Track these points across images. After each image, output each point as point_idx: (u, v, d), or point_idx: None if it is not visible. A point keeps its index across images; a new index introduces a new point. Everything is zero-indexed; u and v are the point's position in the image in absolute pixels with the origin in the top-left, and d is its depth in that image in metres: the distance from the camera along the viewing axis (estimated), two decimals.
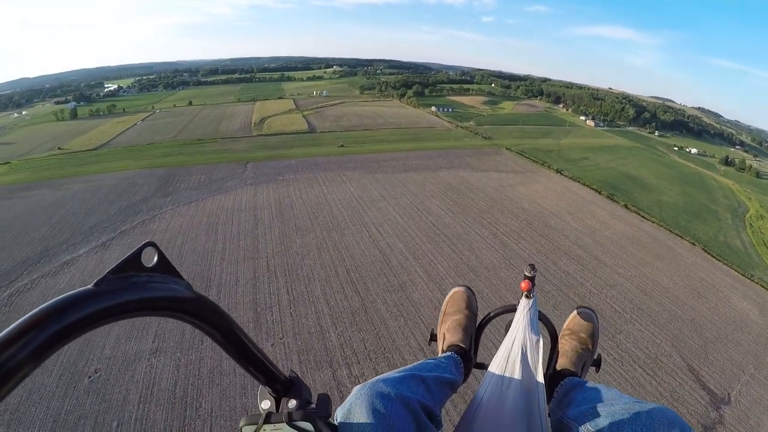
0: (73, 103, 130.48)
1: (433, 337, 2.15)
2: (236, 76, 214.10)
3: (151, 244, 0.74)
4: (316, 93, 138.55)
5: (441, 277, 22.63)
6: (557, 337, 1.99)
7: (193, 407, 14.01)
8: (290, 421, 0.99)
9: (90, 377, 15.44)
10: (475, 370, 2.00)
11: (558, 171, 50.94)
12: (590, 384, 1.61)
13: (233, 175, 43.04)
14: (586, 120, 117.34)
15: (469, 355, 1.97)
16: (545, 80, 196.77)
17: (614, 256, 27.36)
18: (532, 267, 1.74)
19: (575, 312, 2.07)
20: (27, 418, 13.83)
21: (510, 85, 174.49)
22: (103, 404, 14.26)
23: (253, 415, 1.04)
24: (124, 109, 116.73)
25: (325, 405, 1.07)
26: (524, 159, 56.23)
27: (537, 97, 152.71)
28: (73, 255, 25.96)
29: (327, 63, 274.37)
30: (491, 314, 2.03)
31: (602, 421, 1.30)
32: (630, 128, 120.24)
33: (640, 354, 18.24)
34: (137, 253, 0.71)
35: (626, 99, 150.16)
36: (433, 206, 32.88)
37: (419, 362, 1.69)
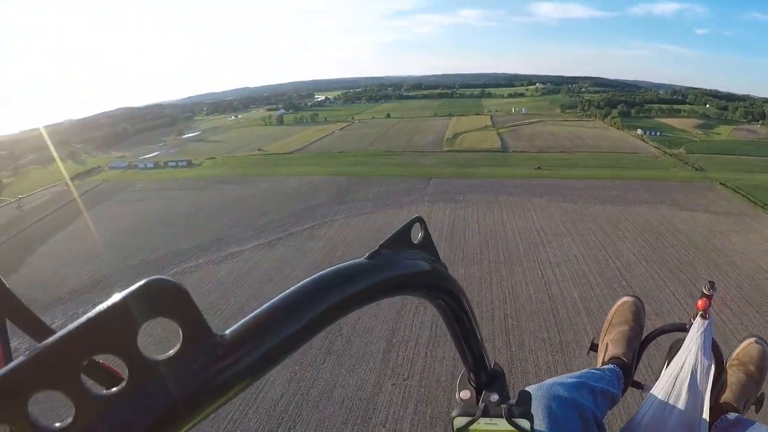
0: (282, 111, 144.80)
1: (594, 347, 2.08)
2: (437, 91, 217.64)
3: (419, 219, 0.73)
4: (515, 110, 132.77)
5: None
6: (724, 366, 1.86)
7: (286, 426, 13.39)
8: (510, 417, 0.92)
9: None
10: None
11: None
12: (753, 423, 1.57)
13: (413, 190, 41.54)
14: None
15: (629, 371, 1.90)
16: None
17: None
18: (712, 285, 1.71)
19: (747, 341, 1.97)
20: None
21: (727, 106, 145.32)
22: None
23: (468, 405, 0.98)
24: (326, 119, 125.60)
25: (529, 403, 0.97)
26: (741, 198, 43.70)
27: (759, 121, 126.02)
28: (241, 248, 27.79)
29: (530, 80, 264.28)
30: (657, 330, 2.01)
31: None
32: None
33: None
34: (408, 228, 0.70)
35: None
36: (625, 249, 26.77)
37: (584, 371, 1.70)
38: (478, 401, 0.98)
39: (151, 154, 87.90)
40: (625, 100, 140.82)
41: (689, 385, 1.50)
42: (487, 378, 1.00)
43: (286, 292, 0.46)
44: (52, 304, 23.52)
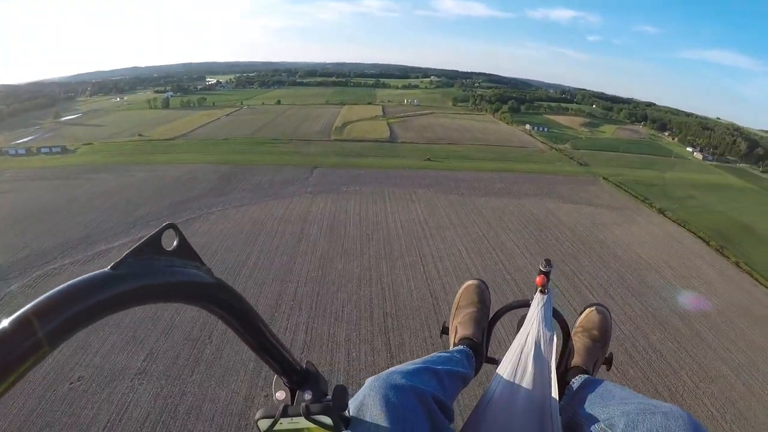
0: (170, 93, 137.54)
1: (445, 330, 2.12)
2: (332, 79, 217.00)
3: (172, 226, 0.71)
4: (407, 101, 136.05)
5: (497, 339, 18.33)
6: (570, 334, 1.95)
7: None
8: (308, 415, 0.95)
9: (71, 384, 14.58)
10: (485, 365, 1.97)
11: (660, 211, 42.75)
12: (602, 382, 1.61)
13: (296, 180, 41.33)
14: (693, 152, 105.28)
15: (480, 349, 1.96)
16: (650, 104, 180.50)
17: (720, 334, 21.31)
18: (548, 262, 1.75)
19: (588, 309, 2.06)
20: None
21: (612, 107, 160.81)
22: (71, 418, 13.21)
23: (269, 407, 0.98)
24: (213, 103, 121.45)
25: (342, 398, 1.01)
26: (623, 192, 48.10)
27: (641, 122, 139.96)
28: (110, 245, 26.45)
29: (425, 73, 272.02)
30: (504, 308, 2.01)
31: (616, 421, 1.29)
32: (740, 165, 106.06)
33: None
34: (157, 236, 0.68)
35: (737, 131, 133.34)
36: (509, 242, 28.12)
37: (431, 355, 1.72)
38: (293, 401, 1.01)
39: (25, 138, 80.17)
40: (516, 97, 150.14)
41: (534, 355, 1.59)
42: (299, 377, 1.03)
43: (30, 304, 0.47)
44: None
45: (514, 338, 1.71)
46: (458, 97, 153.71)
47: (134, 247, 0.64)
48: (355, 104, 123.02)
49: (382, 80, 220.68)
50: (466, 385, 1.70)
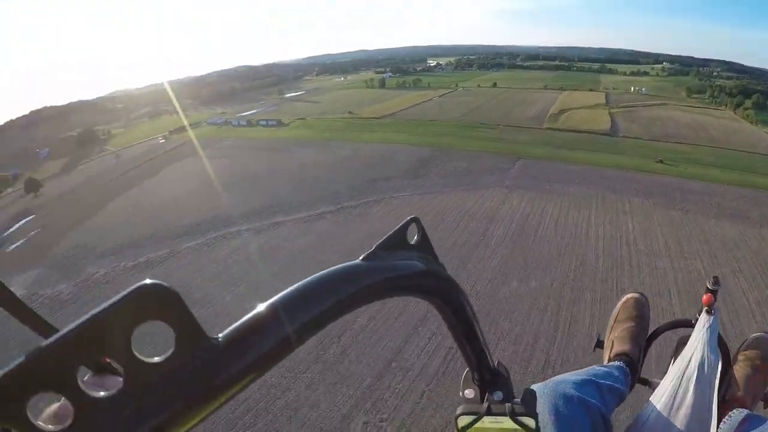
0: (388, 74, 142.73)
1: (599, 344, 2.07)
2: (554, 63, 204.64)
3: (415, 219, 0.72)
4: (634, 89, 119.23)
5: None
6: (730, 362, 1.83)
7: None
8: (514, 415, 0.92)
9: None
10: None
11: None
12: (762, 418, 1.54)
13: (495, 170, 36.58)
14: None
15: (636, 367, 1.88)
16: None
17: None
18: (716, 280, 1.67)
19: (754, 335, 1.96)
20: None
21: None
22: None
23: (472, 404, 0.97)
24: (429, 84, 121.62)
25: (533, 402, 0.97)
26: None
27: None
28: (286, 218, 26.92)
29: (656, 59, 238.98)
30: (665, 326, 1.97)
31: None
32: None
33: None
34: (403, 228, 0.69)
35: None
36: (737, 291, 18.44)
37: (591, 368, 1.70)
38: (482, 400, 0.96)
39: (249, 112, 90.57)
40: (763, 90, 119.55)
41: (696, 381, 1.47)
42: (490, 377, 0.98)
43: (279, 295, 0.46)
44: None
45: (670, 361, 1.69)
46: (693, 87, 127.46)
47: (383, 239, 0.64)
48: (576, 90, 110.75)
49: (608, 65, 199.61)
50: (621, 402, 1.61)
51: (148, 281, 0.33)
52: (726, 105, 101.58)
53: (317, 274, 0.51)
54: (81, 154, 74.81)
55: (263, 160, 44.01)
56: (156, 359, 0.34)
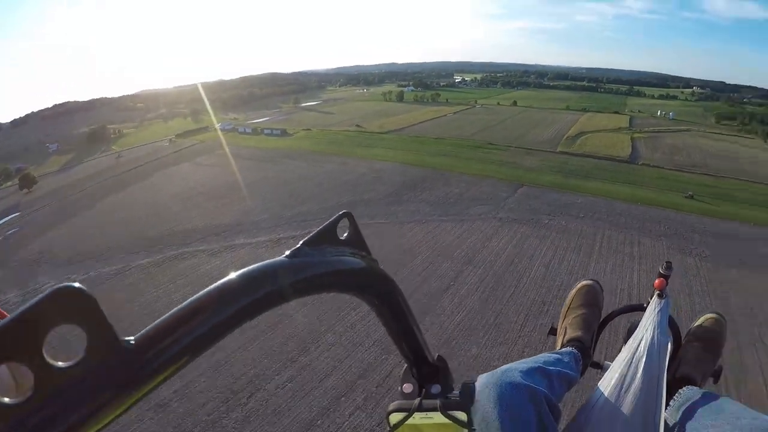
0: (410, 88, 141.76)
1: (553, 331, 2.07)
2: (582, 83, 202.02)
3: (347, 215, 0.72)
4: (661, 113, 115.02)
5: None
6: (681, 342, 1.92)
7: None
8: (445, 410, 0.93)
9: None
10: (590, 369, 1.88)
11: None
12: (712, 395, 1.55)
13: (491, 198, 33.46)
14: None
15: (588, 352, 1.91)
16: None
17: None
18: (669, 265, 1.71)
19: (704, 316, 2.01)
20: None
21: None
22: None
23: (404, 401, 0.98)
24: (447, 100, 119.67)
25: (472, 395, 0.99)
26: None
27: None
28: (246, 241, 25.95)
29: (687, 83, 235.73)
30: (617, 311, 2.01)
31: None
32: None
33: None
34: (333, 224, 0.69)
35: None
36: (753, 367, 14.73)
37: (541, 355, 1.70)
38: (419, 394, 0.96)
39: (262, 119, 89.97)
40: None
41: (645, 361, 1.50)
42: (429, 371, 0.99)
43: (196, 295, 0.45)
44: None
45: (623, 344, 1.68)
46: (723, 113, 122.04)
47: (310, 235, 0.63)
48: (600, 112, 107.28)
49: (636, 88, 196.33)
50: (571, 387, 1.64)
51: (63, 284, 0.33)
52: (757, 133, 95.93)
53: (237, 271, 0.49)
54: (87, 151, 74.86)
55: (250, 170, 43.32)
56: (65, 364, 0.33)
